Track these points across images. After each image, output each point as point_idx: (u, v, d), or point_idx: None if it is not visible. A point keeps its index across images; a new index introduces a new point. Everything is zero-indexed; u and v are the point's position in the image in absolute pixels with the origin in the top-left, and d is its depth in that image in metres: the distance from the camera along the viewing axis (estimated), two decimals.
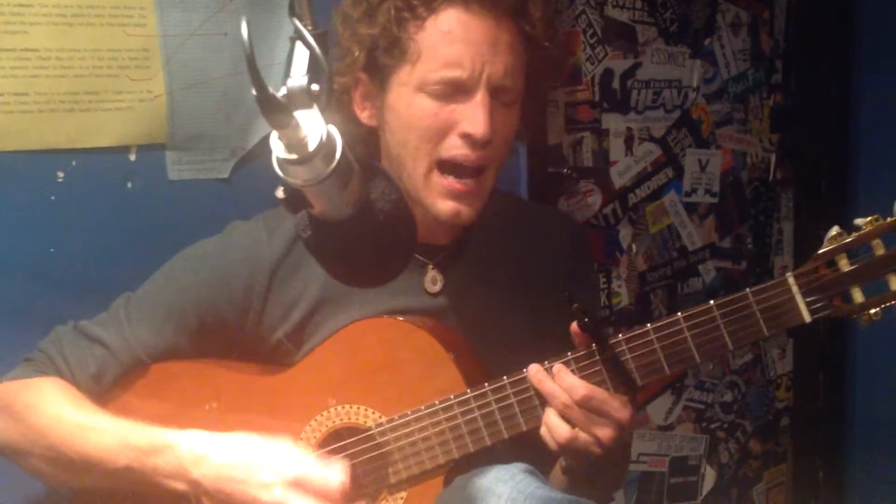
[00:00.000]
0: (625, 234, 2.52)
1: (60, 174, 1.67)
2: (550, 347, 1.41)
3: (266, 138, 1.77)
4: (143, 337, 1.47)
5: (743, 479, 2.83)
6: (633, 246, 2.54)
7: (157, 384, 1.48)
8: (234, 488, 1.27)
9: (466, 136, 1.35)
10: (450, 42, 1.34)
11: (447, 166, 1.39)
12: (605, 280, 2.49)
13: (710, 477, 2.74)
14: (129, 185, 1.74)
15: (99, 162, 1.70)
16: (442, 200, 1.39)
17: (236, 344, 1.50)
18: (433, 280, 1.50)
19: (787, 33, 2.81)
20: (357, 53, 1.38)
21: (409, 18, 1.35)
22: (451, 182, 1.38)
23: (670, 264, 2.62)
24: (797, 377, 2.93)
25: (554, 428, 1.33)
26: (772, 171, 2.82)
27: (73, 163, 1.68)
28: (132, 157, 1.74)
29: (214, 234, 1.55)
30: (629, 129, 2.50)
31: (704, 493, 2.73)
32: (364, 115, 1.44)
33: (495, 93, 1.36)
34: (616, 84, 2.46)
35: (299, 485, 1.25)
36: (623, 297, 2.51)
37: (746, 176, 2.76)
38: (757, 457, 2.87)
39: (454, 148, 1.36)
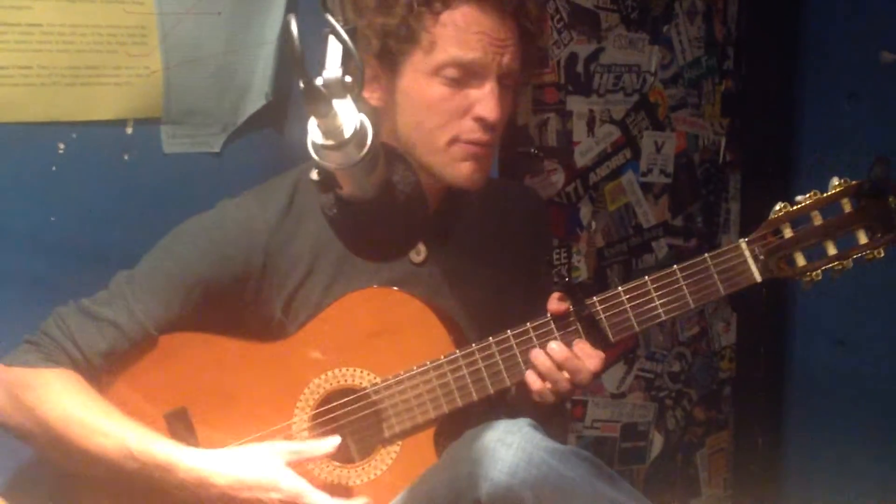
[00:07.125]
0: (585, 211, 2.63)
1: (61, 146, 1.72)
2: (521, 310, 1.58)
3: (254, 116, 1.91)
4: (150, 311, 1.51)
5: (687, 444, 2.98)
6: (593, 223, 2.66)
7: (163, 355, 1.54)
8: None
9: (480, 120, 1.46)
10: (465, 32, 1.43)
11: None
12: (565, 255, 2.60)
13: (657, 442, 2.89)
14: (126, 157, 1.80)
15: (98, 134, 1.75)
16: (461, 163, 1.49)
17: (237, 316, 1.56)
18: (417, 251, 1.60)
19: (738, 21, 2.93)
20: (372, 41, 1.45)
21: (426, 12, 1.43)
22: (469, 147, 1.48)
23: (626, 241, 2.74)
24: (740, 349, 3.08)
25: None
26: (721, 153, 2.95)
27: (74, 135, 1.73)
28: (129, 131, 1.79)
29: (205, 205, 1.60)
30: (591, 111, 2.61)
31: (652, 457, 2.88)
32: (372, 97, 1.50)
33: (500, 79, 1.47)
34: (580, 68, 2.57)
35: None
36: (582, 272, 2.63)
37: (698, 158, 2.89)
38: (701, 424, 3.02)
39: (469, 132, 1.47)
